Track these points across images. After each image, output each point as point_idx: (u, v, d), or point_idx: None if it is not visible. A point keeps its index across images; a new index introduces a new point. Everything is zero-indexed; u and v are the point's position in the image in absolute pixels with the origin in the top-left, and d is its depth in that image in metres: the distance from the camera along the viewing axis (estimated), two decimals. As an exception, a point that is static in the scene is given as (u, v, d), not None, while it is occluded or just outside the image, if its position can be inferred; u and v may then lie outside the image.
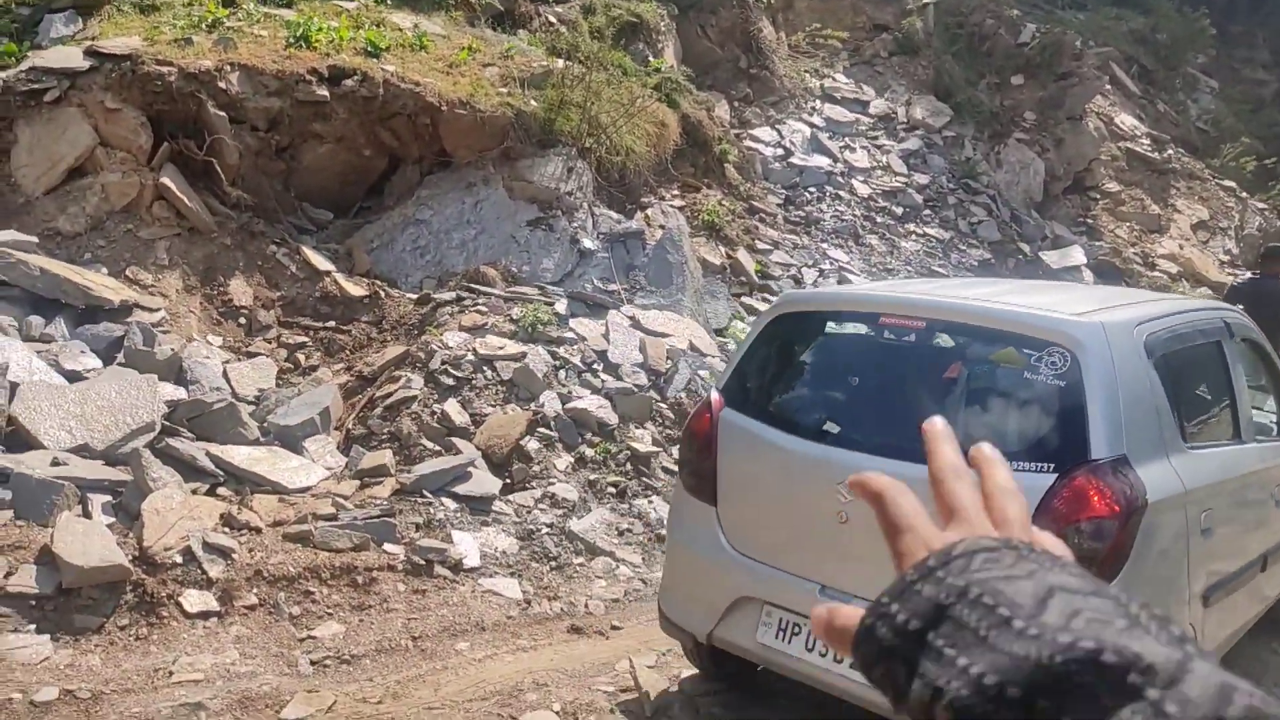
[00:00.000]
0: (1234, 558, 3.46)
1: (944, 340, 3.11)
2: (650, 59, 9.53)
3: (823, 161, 11.04)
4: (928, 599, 0.47)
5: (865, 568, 2.73)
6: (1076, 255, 10.91)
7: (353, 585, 4.36)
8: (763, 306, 8.18)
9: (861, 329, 3.34)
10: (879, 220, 10.69)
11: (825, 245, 9.87)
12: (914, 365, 3.19)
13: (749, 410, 3.37)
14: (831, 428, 3.13)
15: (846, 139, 11.61)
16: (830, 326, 3.46)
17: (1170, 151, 15.21)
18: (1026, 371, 2.88)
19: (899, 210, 10.91)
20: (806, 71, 12.38)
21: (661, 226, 7.79)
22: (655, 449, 5.82)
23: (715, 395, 3.47)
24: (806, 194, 10.57)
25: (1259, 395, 3.89)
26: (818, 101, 11.95)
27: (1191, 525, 3.07)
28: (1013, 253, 10.94)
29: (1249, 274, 9.10)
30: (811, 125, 11.54)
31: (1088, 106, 13.86)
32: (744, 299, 8.18)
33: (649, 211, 8.11)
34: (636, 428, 5.91)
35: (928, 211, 11.06)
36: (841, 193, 10.81)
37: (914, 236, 10.72)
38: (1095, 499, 2.70)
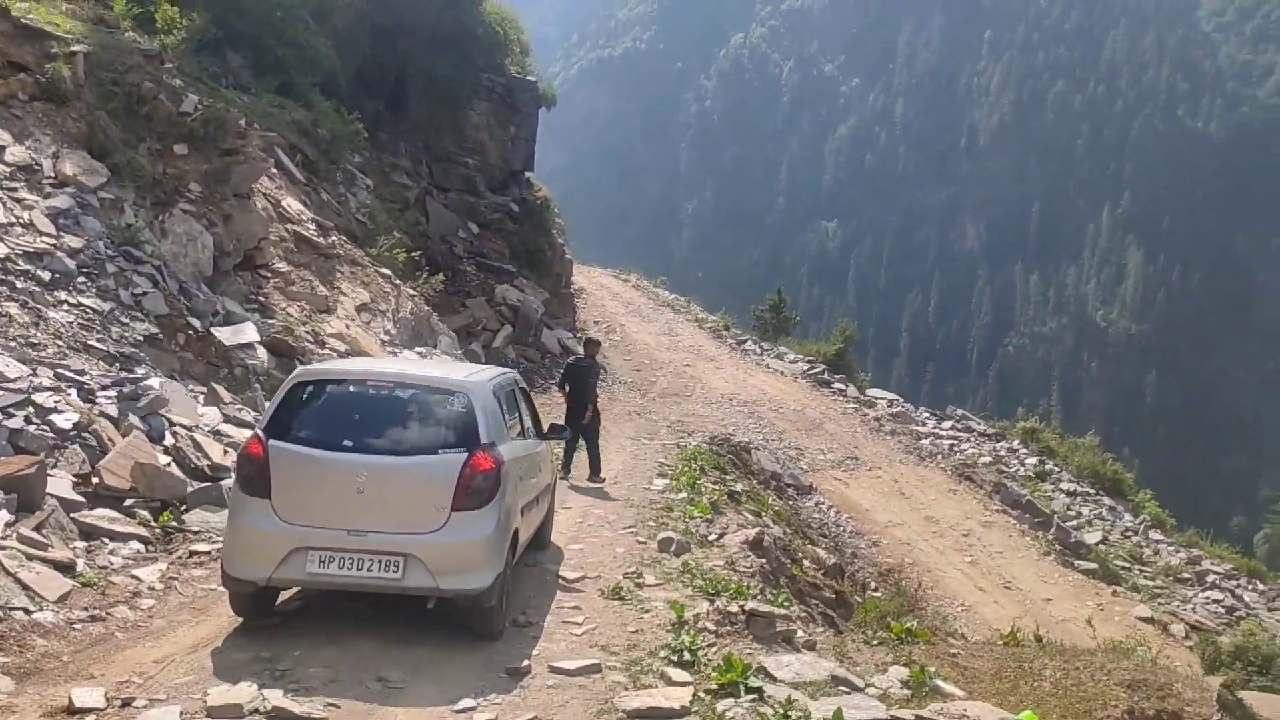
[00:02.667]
0: (529, 495, 6.61)
1: (402, 392, 5.84)
2: None
3: (-63, 211, 8.91)
4: None
5: (374, 515, 5.35)
6: (249, 332, 10.76)
7: None
8: None
9: (361, 387, 5.90)
10: (20, 286, 9.03)
11: (-58, 313, 7.90)
12: (389, 405, 5.78)
13: (288, 438, 5.54)
14: (347, 442, 5.55)
15: (-27, 187, 9.61)
16: (332, 387, 5.91)
17: (335, 238, 16.29)
18: (447, 405, 5.78)
19: (46, 275, 9.38)
20: (-87, 99, 9.96)
21: None
22: None
23: (260, 431, 5.61)
24: (-87, 248, 8.38)
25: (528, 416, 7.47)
26: (-70, 137, 9.68)
27: (516, 475, 6.04)
28: (183, 328, 10.28)
29: (577, 356, 13.14)
30: (-80, 165, 9.27)
31: (255, 186, 14.01)
32: None
33: None
34: None
35: (82, 279, 9.74)
36: (-34, 250, 8.85)
37: (66, 306, 9.31)
38: (486, 461, 5.57)
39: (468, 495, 5.43)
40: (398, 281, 17.28)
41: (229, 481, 7.53)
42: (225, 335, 10.37)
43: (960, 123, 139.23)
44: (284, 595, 5.94)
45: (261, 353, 10.70)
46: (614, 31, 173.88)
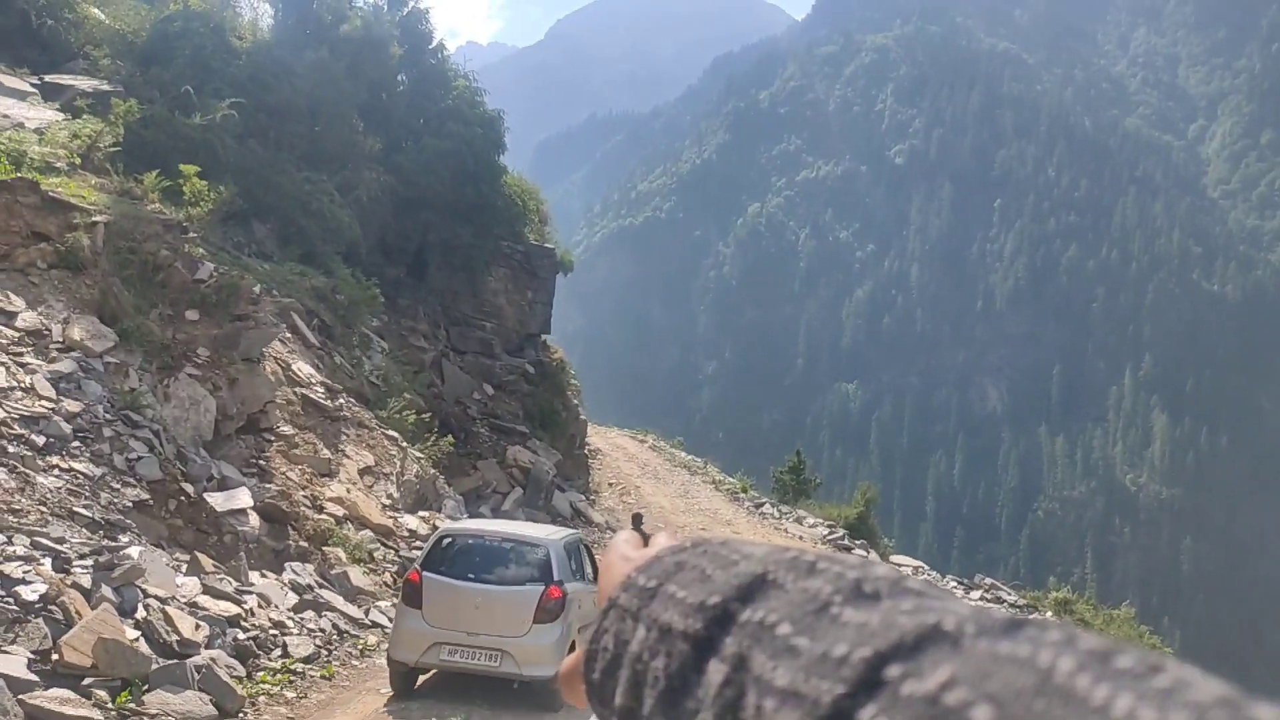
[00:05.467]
0: (585, 619, 8.58)
1: (505, 544, 8.83)
2: None
3: (-62, 375, 8.94)
4: (668, 564, 0.54)
5: (484, 623, 8.28)
6: (243, 498, 10.54)
7: None
8: None
9: (480, 540, 8.92)
10: (12, 450, 8.92)
11: (-75, 479, 7.77)
12: (497, 552, 8.75)
13: (435, 570, 8.53)
14: (470, 575, 8.52)
15: (-22, 352, 9.69)
16: (462, 539, 9.00)
17: (343, 400, 16.30)
18: (534, 553, 8.69)
19: (40, 440, 9.28)
20: (-67, 267, 10.22)
21: None
22: None
23: (417, 566, 8.76)
24: (-93, 413, 8.35)
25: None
26: (-58, 304, 9.85)
27: (576, 603, 8.60)
28: (175, 493, 10.08)
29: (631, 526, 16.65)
30: (-71, 331, 9.39)
31: (267, 350, 14.13)
32: None
33: None
34: None
35: (77, 444, 9.63)
36: (-39, 415, 8.81)
37: (57, 471, 9.16)
38: (556, 592, 8.36)
39: (543, 613, 8.29)
40: (405, 444, 17.14)
41: (198, 659, 7.14)
42: (217, 501, 10.15)
43: (975, 286, 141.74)
44: (421, 679, 8.90)
45: (253, 519, 10.44)
46: (635, 202, 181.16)
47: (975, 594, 26.02)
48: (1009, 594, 27.24)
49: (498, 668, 8.23)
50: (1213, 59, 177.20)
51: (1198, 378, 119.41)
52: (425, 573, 8.44)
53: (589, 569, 9.71)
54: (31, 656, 6.32)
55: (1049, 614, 24.92)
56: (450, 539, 8.91)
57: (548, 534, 9.30)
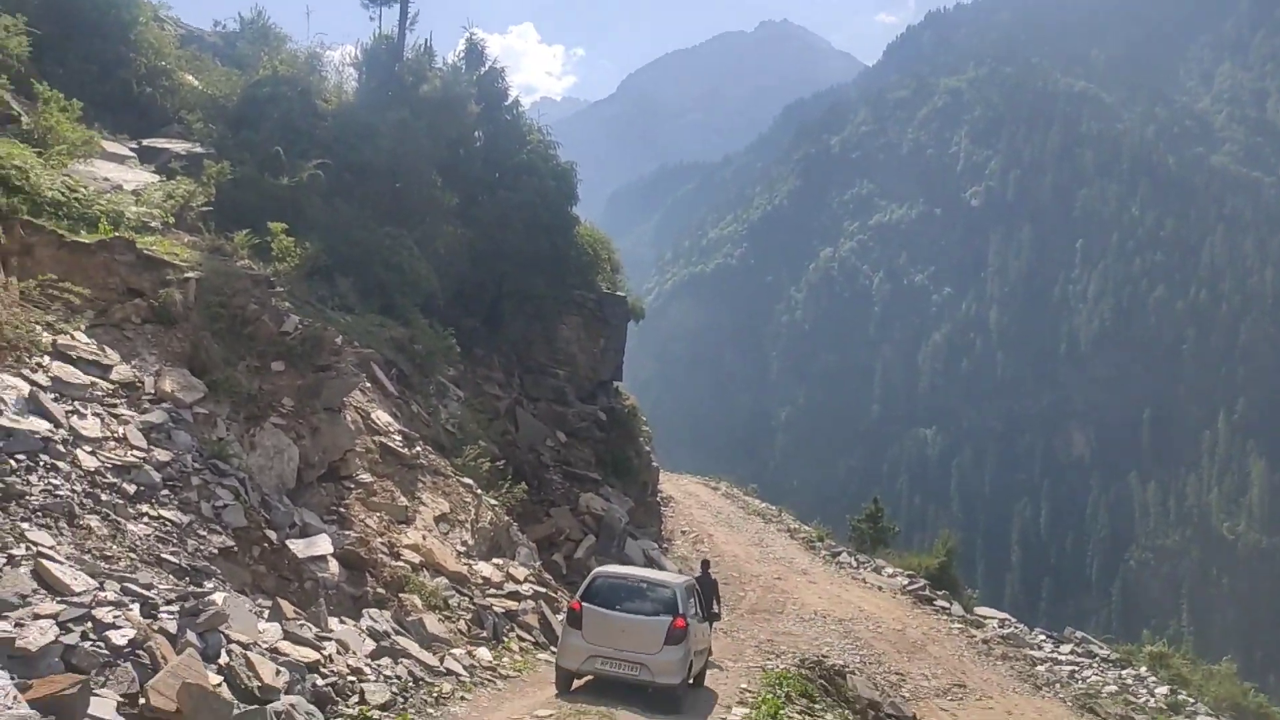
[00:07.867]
0: (699, 645, 12.63)
1: (643, 584, 12.17)
2: None
3: (40, 425, 9.35)
4: None
5: (628, 642, 11.30)
6: (323, 545, 10.75)
7: None
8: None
9: (624, 580, 12.21)
10: (104, 498, 9.26)
11: (26, 525, 8.10)
12: (638, 589, 11.99)
13: (591, 601, 11.56)
14: (617, 606, 11.59)
15: (77, 403, 10.13)
16: (611, 580, 12.09)
17: (420, 448, 16.56)
18: (664, 591, 11.91)
19: (131, 488, 9.62)
20: (38, 323, 10.77)
21: None
22: None
23: (578, 598, 11.75)
24: (12, 462, 8.75)
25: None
26: (45, 358, 10.35)
27: (693, 632, 11.91)
28: (259, 540, 10.33)
29: (699, 572, 17.37)
30: (33, 383, 9.85)
31: (347, 400, 14.47)
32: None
33: None
34: None
35: (166, 492, 9.96)
36: (61, 463, 9.19)
37: (146, 519, 9.47)
38: (680, 622, 11.46)
39: (671, 637, 11.07)
40: (479, 491, 17.29)
41: (277, 704, 7.26)
42: (299, 548, 10.37)
43: (1058, 329, 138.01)
44: (576, 683, 11.36)
45: (333, 565, 10.63)
46: (706, 249, 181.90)
47: (1065, 648, 24.94)
48: (1101, 648, 26.07)
49: (637, 676, 10.93)
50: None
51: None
52: (585, 603, 11.37)
53: (699, 607, 12.98)
54: (120, 700, 6.50)
55: (1143, 669, 23.75)
56: (602, 578, 12.00)
57: (673, 578, 12.77)
